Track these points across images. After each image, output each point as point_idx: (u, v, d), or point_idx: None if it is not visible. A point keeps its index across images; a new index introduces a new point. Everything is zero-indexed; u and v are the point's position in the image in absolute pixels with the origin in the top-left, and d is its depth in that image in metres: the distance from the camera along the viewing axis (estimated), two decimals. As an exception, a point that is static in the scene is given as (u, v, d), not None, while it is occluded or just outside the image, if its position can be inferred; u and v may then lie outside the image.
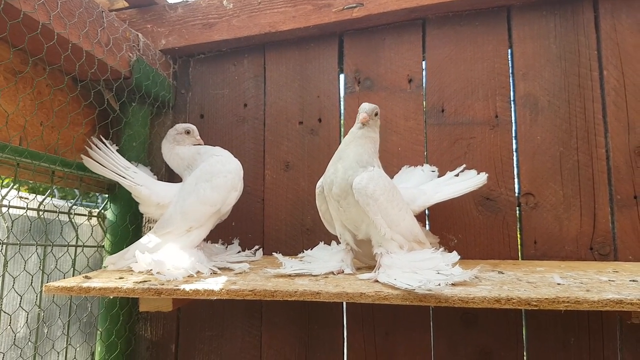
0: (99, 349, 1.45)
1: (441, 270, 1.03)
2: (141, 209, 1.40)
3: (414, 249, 1.18)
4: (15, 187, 1.22)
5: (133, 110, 1.51)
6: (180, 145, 1.44)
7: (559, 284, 1.00)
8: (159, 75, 1.56)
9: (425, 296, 0.92)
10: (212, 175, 1.35)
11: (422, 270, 1.04)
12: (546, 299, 0.88)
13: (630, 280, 1.03)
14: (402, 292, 0.94)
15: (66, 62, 1.25)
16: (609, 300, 0.87)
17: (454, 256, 1.09)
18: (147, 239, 1.31)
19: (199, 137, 1.46)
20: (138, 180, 1.36)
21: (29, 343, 1.39)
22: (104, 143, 1.40)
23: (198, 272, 1.18)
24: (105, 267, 1.28)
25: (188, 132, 1.44)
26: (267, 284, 1.05)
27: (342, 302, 1.46)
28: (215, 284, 1.05)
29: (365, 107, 1.19)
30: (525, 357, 1.33)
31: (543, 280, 1.03)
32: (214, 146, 1.47)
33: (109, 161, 1.37)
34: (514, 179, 1.41)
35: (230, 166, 1.39)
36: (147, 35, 1.62)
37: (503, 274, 1.13)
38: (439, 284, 0.92)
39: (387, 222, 1.13)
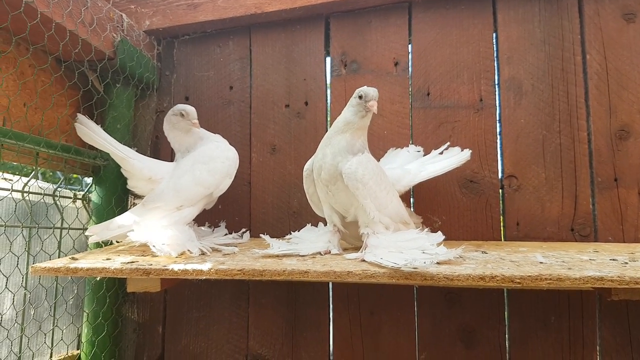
0: (86, 331, 1.45)
1: (426, 250, 1.05)
2: (130, 183, 1.40)
3: (400, 229, 1.20)
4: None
5: (117, 92, 1.49)
6: (176, 129, 1.41)
7: (541, 262, 1.03)
8: (143, 57, 1.54)
9: (412, 274, 0.94)
10: (211, 158, 1.37)
11: (408, 250, 1.06)
12: (529, 276, 0.91)
13: (610, 259, 1.06)
14: (389, 270, 0.96)
15: (50, 42, 1.23)
16: (590, 277, 0.90)
17: (439, 236, 1.11)
18: (136, 211, 1.31)
19: (195, 121, 1.39)
20: (130, 154, 1.37)
21: (16, 324, 1.39)
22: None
23: (188, 250, 1.19)
24: (88, 237, 1.26)
25: (182, 115, 1.39)
26: (255, 264, 1.06)
27: (329, 283, 1.48)
28: (203, 264, 1.06)
29: (372, 94, 1.16)
30: (506, 335, 1.36)
31: (526, 260, 1.06)
32: (211, 135, 1.47)
33: (99, 134, 1.36)
34: (497, 161, 1.43)
35: (228, 153, 1.41)
36: (131, 16, 1.59)
37: (487, 253, 1.16)
38: (425, 262, 0.94)
39: (375, 205, 1.14)
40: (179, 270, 1.04)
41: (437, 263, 0.99)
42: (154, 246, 1.16)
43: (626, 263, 1.02)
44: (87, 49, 1.32)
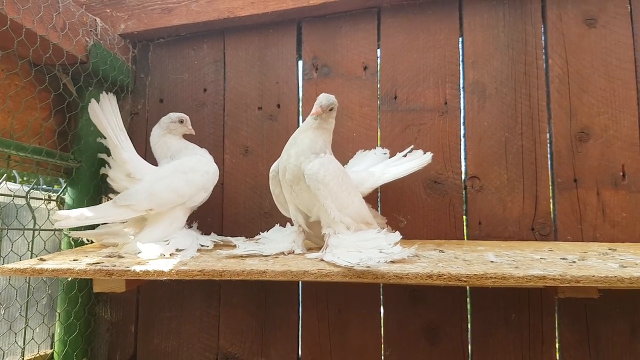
0: (58, 330, 1.48)
1: (383, 249, 1.08)
2: (111, 174, 1.42)
3: (362, 229, 1.23)
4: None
5: (90, 95, 1.52)
6: (171, 134, 1.48)
7: (492, 261, 1.06)
8: (117, 60, 1.57)
9: (364, 272, 0.97)
10: (191, 169, 1.40)
11: (366, 249, 1.09)
12: (475, 275, 0.94)
13: (560, 258, 1.10)
14: (343, 269, 0.99)
15: (20, 47, 1.25)
16: (533, 276, 0.93)
17: (396, 236, 1.15)
18: (105, 207, 1.33)
19: (191, 127, 1.51)
20: (125, 145, 1.41)
21: (-14, 324, 1.41)
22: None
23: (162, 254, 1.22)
24: (53, 222, 1.28)
25: (181, 122, 1.49)
26: (217, 264, 1.09)
27: (298, 283, 1.51)
28: (165, 265, 1.09)
29: (322, 101, 1.22)
30: (469, 332, 1.40)
31: (479, 259, 1.09)
32: (197, 148, 1.52)
33: (109, 118, 1.41)
34: (460, 163, 1.47)
35: (209, 168, 1.45)
36: (107, 20, 1.62)
37: (443, 252, 1.19)
38: (379, 261, 0.98)
39: (336, 206, 1.17)
40: (140, 271, 1.07)
41: (392, 262, 1.02)
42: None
43: (574, 262, 1.05)
44: (58, 53, 1.34)
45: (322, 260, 1.09)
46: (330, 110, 1.23)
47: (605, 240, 1.36)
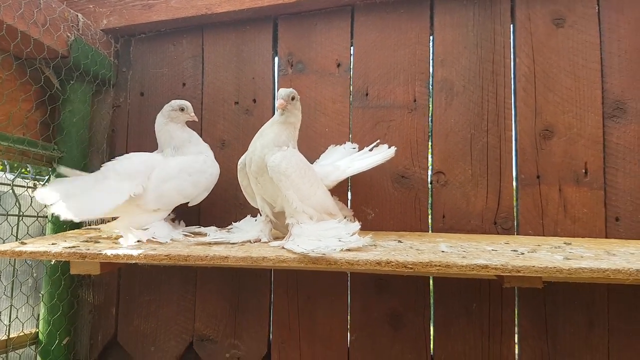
0: (43, 311, 1.56)
1: (342, 238, 1.14)
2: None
3: (324, 220, 1.29)
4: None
5: (72, 88, 1.59)
6: (173, 122, 1.51)
7: (443, 251, 1.11)
8: (98, 54, 1.63)
9: (318, 259, 1.03)
10: (197, 171, 1.46)
11: (326, 238, 1.15)
12: (420, 262, 1.00)
13: (511, 250, 1.14)
14: (299, 255, 1.05)
15: (2, 42, 1.31)
16: (475, 265, 0.98)
17: (355, 226, 1.21)
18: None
19: (192, 114, 1.53)
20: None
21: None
22: None
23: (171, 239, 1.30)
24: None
25: (182, 109, 1.51)
26: (184, 250, 1.16)
27: (271, 270, 1.58)
28: (135, 250, 1.15)
29: (282, 93, 1.28)
30: (431, 320, 1.46)
31: (432, 249, 1.15)
32: (201, 142, 1.56)
33: None
34: (427, 158, 1.52)
35: (213, 170, 1.51)
36: (89, 15, 1.68)
37: (401, 242, 1.25)
38: (334, 249, 1.04)
39: (298, 197, 1.23)
40: (111, 254, 1.13)
41: (349, 250, 1.08)
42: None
43: (522, 254, 1.09)
44: (39, 48, 1.41)
45: (283, 247, 1.15)
46: (292, 99, 1.29)
47: (566, 235, 1.40)
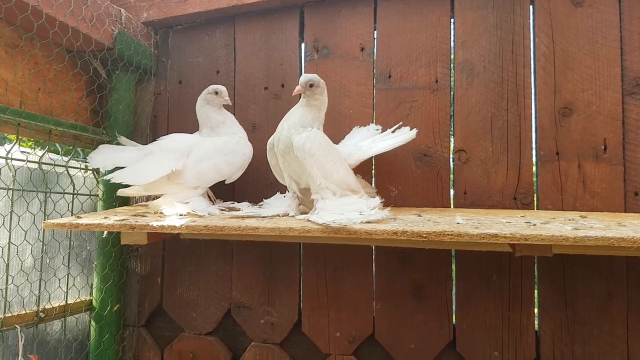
0: (96, 280, 1.74)
1: (362, 212, 1.24)
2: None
3: (347, 195, 1.39)
4: (17, 143, 1.46)
5: (118, 77, 1.73)
6: (209, 105, 1.64)
7: (458, 223, 1.19)
8: (140, 46, 1.77)
9: (339, 229, 1.13)
10: (231, 152, 1.58)
11: (348, 212, 1.25)
12: (434, 232, 1.08)
13: (525, 222, 1.19)
14: (322, 226, 1.15)
15: (55, 37, 1.47)
16: (485, 234, 1.05)
17: (375, 201, 1.30)
18: (162, 184, 1.50)
19: (227, 98, 1.63)
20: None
21: (34, 270, 1.69)
22: None
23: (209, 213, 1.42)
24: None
25: (216, 93, 1.62)
26: (220, 222, 1.28)
27: (300, 244, 1.69)
28: (177, 222, 1.28)
29: (301, 80, 1.38)
30: (453, 291, 1.54)
31: (448, 221, 1.22)
32: (236, 124, 1.68)
33: None
34: (449, 137, 1.59)
35: (246, 150, 1.63)
36: (130, 9, 1.82)
37: (420, 216, 1.33)
38: (354, 221, 1.13)
39: (322, 174, 1.33)
40: (157, 225, 1.27)
41: (368, 222, 1.17)
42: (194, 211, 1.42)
43: (534, 225, 1.15)
44: (88, 42, 1.55)
45: (308, 220, 1.26)
46: (311, 86, 1.38)
47: (585, 209, 1.44)
